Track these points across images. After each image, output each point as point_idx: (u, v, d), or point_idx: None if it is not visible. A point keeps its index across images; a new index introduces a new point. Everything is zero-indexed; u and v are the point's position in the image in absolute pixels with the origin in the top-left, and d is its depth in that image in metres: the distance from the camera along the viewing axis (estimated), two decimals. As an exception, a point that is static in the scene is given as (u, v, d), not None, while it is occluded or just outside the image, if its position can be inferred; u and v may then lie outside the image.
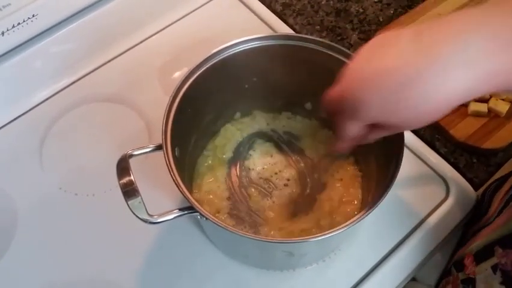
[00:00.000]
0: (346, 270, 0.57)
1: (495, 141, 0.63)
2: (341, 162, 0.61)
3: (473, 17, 0.35)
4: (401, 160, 0.46)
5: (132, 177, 0.45)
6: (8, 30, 0.64)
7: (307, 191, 0.60)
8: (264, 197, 0.59)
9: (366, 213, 0.44)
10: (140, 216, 0.44)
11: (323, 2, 0.80)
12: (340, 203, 0.58)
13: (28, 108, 0.70)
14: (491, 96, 0.65)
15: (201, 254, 0.58)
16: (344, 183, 0.60)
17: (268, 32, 0.75)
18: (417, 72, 0.35)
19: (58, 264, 0.58)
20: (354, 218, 0.44)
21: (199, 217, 0.45)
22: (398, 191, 0.61)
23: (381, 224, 0.59)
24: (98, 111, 0.70)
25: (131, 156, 0.47)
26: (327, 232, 0.44)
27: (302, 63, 0.56)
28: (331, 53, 0.53)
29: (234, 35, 0.55)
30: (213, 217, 0.44)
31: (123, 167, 0.46)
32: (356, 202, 0.58)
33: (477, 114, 0.64)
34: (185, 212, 0.46)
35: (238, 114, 0.64)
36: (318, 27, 0.77)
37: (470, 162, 0.64)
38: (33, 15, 0.65)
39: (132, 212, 0.44)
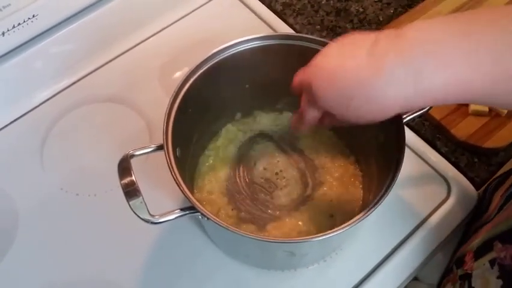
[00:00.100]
0: (347, 270, 0.57)
1: (496, 141, 0.63)
2: (341, 162, 0.61)
3: (430, 31, 0.37)
4: (402, 160, 0.46)
5: (133, 178, 0.44)
6: (8, 30, 0.64)
7: (308, 190, 0.60)
8: (265, 197, 0.59)
9: (368, 213, 0.44)
10: (141, 217, 0.44)
11: (323, 2, 0.80)
12: (341, 202, 0.58)
13: (29, 109, 0.70)
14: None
15: (202, 254, 0.58)
16: (344, 183, 0.60)
17: (268, 32, 0.75)
18: (364, 79, 0.38)
19: (59, 264, 0.58)
20: (356, 218, 0.44)
21: (200, 217, 0.45)
22: (399, 191, 0.61)
23: (383, 223, 0.59)
24: (99, 111, 0.70)
25: (132, 156, 0.47)
26: (328, 232, 0.44)
27: (302, 63, 0.56)
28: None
29: (234, 35, 0.55)
30: (214, 217, 0.44)
31: (124, 167, 0.45)
32: (357, 202, 0.58)
33: (478, 114, 0.64)
34: (187, 212, 0.46)
35: (239, 115, 0.64)
36: (319, 26, 0.77)
37: (471, 162, 0.64)
38: (33, 16, 0.65)
39: (133, 212, 0.44)
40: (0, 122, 0.69)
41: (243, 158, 0.62)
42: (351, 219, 0.44)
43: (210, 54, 0.53)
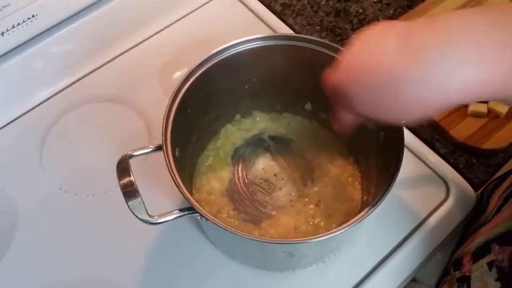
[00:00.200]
0: (346, 271, 0.57)
1: (495, 142, 0.63)
2: (340, 163, 0.61)
3: (463, 24, 0.34)
4: (401, 161, 0.46)
5: (132, 178, 0.45)
6: (8, 30, 0.64)
7: (307, 191, 0.60)
8: (264, 197, 0.59)
9: (367, 214, 0.44)
10: (140, 217, 0.44)
11: (322, 2, 0.80)
12: (339, 203, 0.58)
13: (28, 109, 0.70)
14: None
15: (201, 255, 0.58)
16: (343, 184, 0.60)
17: (268, 32, 0.75)
18: (402, 75, 0.35)
19: (58, 264, 0.58)
20: (355, 219, 0.44)
21: (199, 218, 0.45)
22: (397, 192, 0.61)
23: (381, 224, 0.59)
24: (99, 111, 0.70)
25: (131, 156, 0.47)
26: (327, 233, 0.44)
27: (302, 63, 0.56)
28: (331, 53, 0.53)
29: (234, 35, 0.55)
30: (213, 218, 0.44)
31: (123, 167, 0.46)
32: (355, 203, 0.58)
33: (477, 115, 0.64)
34: (186, 212, 0.46)
35: (238, 115, 0.64)
36: (318, 27, 0.77)
37: (470, 163, 0.64)
38: (33, 16, 0.65)
39: (132, 212, 0.44)
40: (-1, 122, 0.69)
41: (242, 158, 0.62)
42: (350, 220, 0.44)
43: (210, 54, 0.53)
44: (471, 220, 0.61)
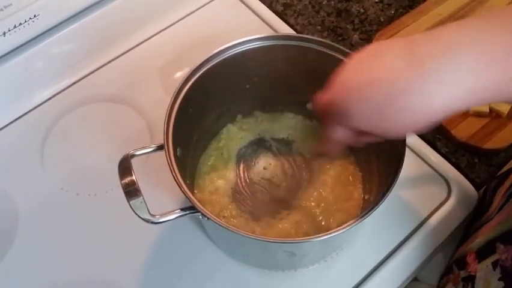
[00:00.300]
0: (348, 271, 0.57)
1: (496, 142, 0.63)
2: (342, 162, 0.61)
3: (463, 33, 0.35)
4: (403, 160, 0.46)
5: (134, 177, 0.44)
6: (9, 30, 0.64)
7: (309, 190, 0.59)
8: (266, 197, 0.59)
9: (368, 213, 0.44)
10: (142, 216, 0.44)
11: (324, 2, 0.80)
12: (341, 202, 0.58)
13: (29, 109, 0.70)
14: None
15: (202, 254, 0.58)
16: (344, 183, 0.60)
17: (269, 33, 0.75)
18: (403, 86, 0.35)
19: (59, 264, 0.58)
20: (356, 218, 0.44)
21: (200, 217, 0.45)
22: (399, 191, 0.61)
23: (383, 224, 0.59)
24: (100, 111, 0.70)
25: (133, 156, 0.47)
26: (329, 232, 0.44)
27: (303, 63, 0.56)
28: (332, 53, 0.53)
29: (235, 35, 0.55)
30: (214, 217, 0.44)
31: (125, 167, 0.45)
32: (357, 202, 0.58)
33: (478, 115, 0.64)
34: (187, 212, 0.46)
35: (239, 115, 0.64)
36: (319, 27, 0.77)
37: (471, 163, 0.64)
38: (34, 16, 0.65)
39: (134, 212, 0.44)
40: (0, 122, 0.69)
41: (243, 158, 0.62)
42: (351, 219, 0.44)
43: (211, 54, 0.53)
44: (473, 219, 0.61)
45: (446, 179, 0.62)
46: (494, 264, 0.47)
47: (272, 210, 0.58)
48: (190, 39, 0.75)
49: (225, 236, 0.53)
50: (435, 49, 0.35)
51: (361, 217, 0.44)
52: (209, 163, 0.62)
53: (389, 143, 0.50)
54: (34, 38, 0.68)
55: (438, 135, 0.66)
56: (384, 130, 0.39)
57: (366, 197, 0.58)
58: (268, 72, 0.58)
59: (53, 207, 0.62)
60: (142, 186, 0.44)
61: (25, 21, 0.65)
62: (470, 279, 0.50)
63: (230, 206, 0.58)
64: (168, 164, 0.46)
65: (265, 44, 0.55)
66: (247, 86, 0.60)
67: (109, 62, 0.74)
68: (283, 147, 0.63)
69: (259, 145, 0.63)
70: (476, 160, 0.64)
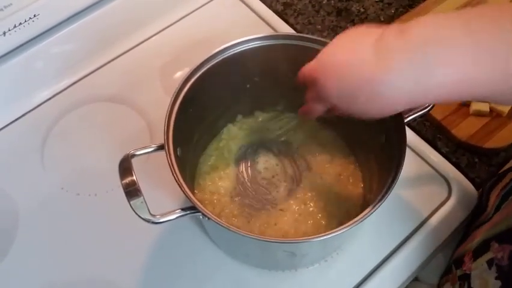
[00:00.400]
0: (348, 271, 0.57)
1: (497, 141, 0.63)
2: (342, 162, 0.61)
3: (433, 28, 0.37)
4: (403, 160, 0.46)
5: (134, 177, 0.44)
6: (9, 30, 0.64)
7: (309, 190, 0.59)
8: (266, 196, 0.59)
9: (368, 213, 0.44)
10: (142, 216, 0.44)
11: (323, 2, 0.80)
12: (341, 202, 0.58)
13: (30, 109, 0.70)
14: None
15: (203, 254, 0.58)
16: (344, 183, 0.60)
17: (269, 32, 0.75)
18: (370, 75, 0.38)
19: (60, 264, 0.58)
20: (356, 218, 0.44)
21: (201, 217, 0.45)
22: (399, 191, 0.61)
23: (383, 224, 0.59)
24: (100, 111, 0.70)
25: (133, 156, 0.47)
26: (329, 232, 0.44)
27: (303, 63, 0.56)
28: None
29: (235, 34, 0.55)
30: (215, 217, 0.44)
31: (125, 167, 0.45)
32: (357, 202, 0.58)
33: (479, 114, 0.64)
34: (188, 212, 0.46)
35: (240, 115, 0.64)
36: (319, 26, 0.77)
37: (472, 162, 0.64)
38: (34, 16, 0.65)
39: (134, 212, 0.44)
40: (0, 122, 0.69)
41: (243, 158, 0.62)
42: (352, 219, 0.44)
43: (211, 54, 0.53)
44: (472, 218, 0.61)
45: (446, 178, 0.62)
46: (490, 263, 0.47)
47: (272, 210, 0.58)
48: (190, 39, 0.75)
49: (225, 236, 0.53)
50: (401, 44, 0.37)
51: (361, 217, 0.44)
52: (209, 163, 0.62)
53: (389, 143, 0.50)
54: (34, 38, 0.68)
55: (438, 135, 0.66)
56: (353, 110, 0.42)
57: (367, 196, 0.58)
58: (268, 72, 0.58)
59: (53, 207, 0.62)
60: (142, 186, 0.44)
61: (25, 21, 0.65)
62: (466, 277, 0.51)
63: (230, 206, 0.58)
64: (168, 164, 0.46)
65: (265, 44, 0.55)
66: (247, 86, 0.60)
67: (109, 62, 0.74)
68: (283, 147, 0.63)
69: (259, 145, 0.63)
70: (477, 160, 0.64)
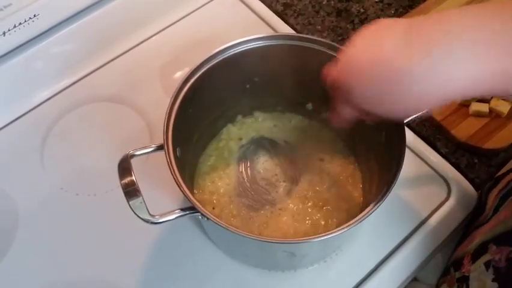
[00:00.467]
0: (347, 271, 0.57)
1: (496, 142, 0.63)
2: (341, 162, 0.61)
3: (467, 18, 0.35)
4: (403, 160, 0.46)
5: (134, 178, 0.44)
6: (9, 30, 0.64)
7: (309, 191, 0.59)
8: (266, 197, 0.59)
9: (368, 214, 0.44)
10: (141, 217, 0.44)
11: (323, 2, 0.80)
12: (341, 203, 0.58)
13: (29, 109, 0.70)
14: (492, 97, 0.65)
15: (202, 254, 0.58)
16: (344, 183, 0.60)
17: (269, 32, 0.75)
18: (405, 70, 0.36)
19: (59, 264, 0.58)
20: (356, 219, 0.44)
21: (200, 217, 0.45)
22: (399, 191, 0.61)
23: (382, 224, 0.59)
24: (99, 111, 0.70)
25: (132, 156, 0.47)
26: (328, 232, 0.44)
27: (303, 63, 0.56)
28: (332, 53, 0.53)
29: (235, 35, 0.55)
30: (214, 217, 0.44)
31: (125, 167, 0.45)
32: (356, 202, 0.58)
33: (478, 115, 0.64)
34: (187, 212, 0.46)
35: (239, 116, 0.64)
36: (319, 27, 0.77)
37: (471, 163, 0.64)
38: (34, 16, 0.65)
39: (133, 212, 0.44)
40: (0, 122, 0.69)
41: (243, 158, 0.62)
42: (351, 219, 0.44)
43: (211, 54, 0.53)
44: (472, 219, 0.61)
45: (445, 179, 0.62)
46: (487, 265, 0.47)
47: (272, 211, 0.58)
48: (190, 39, 0.75)
49: (224, 236, 0.53)
50: (437, 34, 0.35)
51: (361, 217, 0.44)
52: (209, 163, 0.62)
53: (389, 143, 0.50)
54: (34, 38, 0.68)
55: (438, 135, 0.66)
56: (385, 111, 0.39)
57: (366, 197, 0.58)
58: (268, 72, 0.58)
59: (53, 207, 0.62)
60: (141, 186, 0.44)
61: (25, 21, 0.65)
62: (464, 279, 0.51)
63: (230, 206, 0.58)
64: (168, 164, 0.46)
65: (265, 44, 0.55)
66: (247, 86, 0.60)
67: (109, 62, 0.74)
68: (282, 147, 0.63)
69: (259, 145, 0.63)
70: (476, 160, 0.64)
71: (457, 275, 0.53)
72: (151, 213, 0.44)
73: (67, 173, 0.64)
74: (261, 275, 0.57)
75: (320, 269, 0.57)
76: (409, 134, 0.64)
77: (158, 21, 0.77)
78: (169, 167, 0.46)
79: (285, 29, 0.76)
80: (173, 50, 0.74)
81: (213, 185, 0.60)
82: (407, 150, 0.48)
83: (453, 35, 0.34)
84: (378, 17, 0.77)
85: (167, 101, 0.50)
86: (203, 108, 0.57)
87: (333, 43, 0.53)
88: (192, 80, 0.52)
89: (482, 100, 0.65)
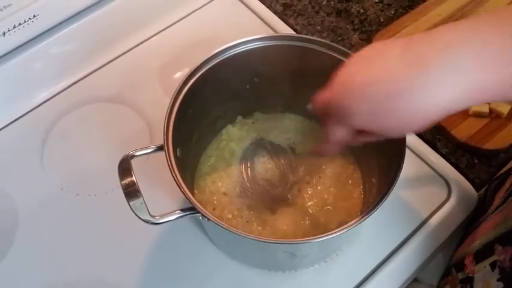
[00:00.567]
0: (348, 271, 0.57)
1: (496, 142, 0.63)
2: (342, 162, 0.61)
3: (462, 32, 0.35)
4: (403, 161, 0.46)
5: (134, 178, 0.44)
6: (9, 30, 0.64)
7: (309, 191, 0.59)
8: (266, 198, 0.59)
9: (368, 214, 0.44)
10: (142, 217, 0.44)
11: (323, 3, 0.80)
12: (341, 203, 0.58)
13: (29, 109, 0.70)
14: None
15: (202, 255, 0.58)
16: (344, 184, 0.60)
17: (268, 33, 0.75)
18: (403, 86, 0.36)
19: (59, 264, 0.58)
20: (356, 219, 0.44)
21: (200, 218, 0.45)
22: (399, 192, 0.61)
23: (383, 224, 0.59)
24: (99, 111, 0.70)
25: (132, 156, 0.47)
26: (329, 233, 0.44)
27: (303, 64, 0.56)
28: (332, 53, 0.53)
29: (235, 35, 0.55)
30: (214, 218, 0.44)
31: (125, 167, 0.45)
32: (357, 202, 0.58)
33: (478, 115, 0.64)
34: (187, 212, 0.46)
35: (239, 116, 0.64)
36: (319, 27, 0.77)
37: (471, 163, 0.64)
38: (34, 16, 0.65)
39: (134, 212, 0.44)
40: (0, 122, 0.69)
41: (243, 158, 0.62)
42: (351, 220, 0.44)
43: (211, 55, 0.53)
44: (472, 219, 0.61)
45: (446, 179, 0.62)
46: (493, 265, 0.47)
47: (272, 211, 0.58)
48: (190, 39, 0.75)
49: (225, 236, 0.53)
50: (433, 50, 0.35)
51: (361, 218, 0.44)
52: (209, 164, 0.62)
53: (389, 143, 0.50)
54: (33, 39, 0.68)
55: (438, 136, 0.66)
56: (383, 129, 0.39)
57: (366, 197, 0.58)
58: (268, 73, 0.58)
59: (53, 207, 0.62)
60: (142, 186, 0.44)
61: (24, 22, 0.65)
62: (469, 281, 0.50)
63: (230, 207, 0.58)
64: (168, 164, 0.46)
65: (264, 45, 0.55)
66: (247, 87, 0.60)
67: (109, 62, 0.74)
68: (283, 148, 0.63)
69: (259, 146, 0.63)
70: (476, 161, 0.64)
71: (460, 276, 0.53)
72: (151, 213, 0.44)
73: (67, 174, 0.64)
74: (261, 276, 0.57)
75: (320, 269, 0.57)
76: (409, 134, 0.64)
77: (158, 22, 0.77)
78: (169, 167, 0.46)
79: (284, 29, 0.76)
80: (173, 50, 0.74)
81: (213, 186, 0.60)
82: (407, 151, 0.48)
83: (452, 48, 0.35)
84: (378, 18, 0.77)
85: (167, 101, 0.50)
86: (203, 108, 0.57)
87: (332, 43, 0.53)
88: (192, 81, 0.52)
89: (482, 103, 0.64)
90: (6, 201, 0.62)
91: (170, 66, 0.73)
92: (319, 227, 0.57)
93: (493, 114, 0.64)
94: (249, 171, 0.61)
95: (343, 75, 0.40)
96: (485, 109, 0.64)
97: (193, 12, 0.79)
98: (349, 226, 0.44)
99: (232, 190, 0.60)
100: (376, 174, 0.54)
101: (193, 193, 0.54)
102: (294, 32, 0.76)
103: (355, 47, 0.74)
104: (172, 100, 0.51)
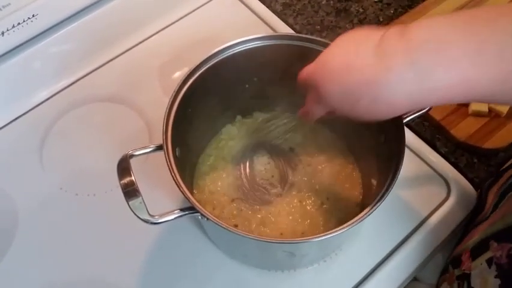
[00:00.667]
0: (347, 271, 0.57)
1: (496, 141, 0.63)
2: (341, 162, 0.61)
3: (433, 30, 0.37)
4: (402, 160, 0.46)
5: (133, 178, 0.44)
6: (8, 30, 0.64)
7: (308, 191, 0.59)
8: (265, 197, 0.59)
9: (368, 214, 0.44)
10: (141, 217, 0.44)
11: (323, 2, 0.80)
12: (340, 202, 0.58)
13: (28, 109, 0.70)
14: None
15: (202, 254, 0.58)
16: (343, 183, 0.60)
17: (268, 32, 0.75)
18: (371, 78, 0.38)
19: (59, 264, 0.58)
20: (355, 218, 0.44)
21: (200, 217, 0.45)
22: (398, 191, 0.61)
23: (382, 224, 0.59)
24: (98, 111, 0.70)
25: (132, 156, 0.47)
26: (328, 232, 0.44)
27: (302, 63, 0.56)
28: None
29: (234, 34, 0.55)
30: (213, 217, 0.44)
31: (124, 167, 0.45)
32: (356, 202, 0.58)
33: (478, 114, 0.64)
34: (187, 212, 0.45)
35: (239, 116, 0.64)
36: (319, 27, 0.77)
37: (470, 162, 0.64)
38: (33, 15, 0.65)
39: (133, 212, 0.44)
40: (-1, 122, 0.69)
41: (242, 158, 0.62)
42: (351, 219, 0.44)
43: (210, 54, 0.53)
44: (471, 218, 0.61)
45: (445, 178, 0.62)
46: (489, 262, 0.47)
47: (271, 211, 0.58)
48: (189, 39, 0.75)
49: (224, 236, 0.53)
50: (402, 46, 0.37)
51: (360, 217, 0.44)
52: (208, 163, 0.62)
53: (388, 143, 0.50)
54: (33, 38, 0.68)
55: (437, 135, 0.66)
56: (352, 113, 0.42)
57: (366, 196, 0.58)
58: (267, 72, 0.58)
59: (53, 207, 0.62)
60: (141, 186, 0.44)
61: (24, 21, 0.65)
62: (465, 277, 0.51)
63: (229, 206, 0.58)
64: (167, 164, 0.46)
65: (264, 44, 0.55)
66: (246, 86, 0.60)
67: (108, 62, 0.74)
68: (282, 147, 0.63)
69: (258, 145, 0.63)
70: (476, 160, 0.64)
71: (456, 272, 0.53)
72: (150, 213, 0.44)
73: (67, 173, 0.64)
74: (260, 275, 0.57)
75: (320, 268, 0.57)
76: (408, 134, 0.64)
77: (157, 21, 0.77)
78: (168, 167, 0.46)
79: (284, 28, 0.76)
80: (173, 50, 0.74)
81: (212, 185, 0.60)
82: (406, 150, 0.48)
83: (419, 45, 0.37)
84: (377, 17, 0.77)
85: (166, 100, 0.50)
86: (202, 107, 0.57)
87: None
88: (191, 80, 0.52)
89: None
90: (5, 201, 0.62)
91: (170, 66, 0.73)
92: (318, 227, 0.57)
93: (492, 114, 0.64)
94: (248, 171, 0.61)
95: (328, 54, 0.43)
96: (485, 108, 0.64)
97: (193, 11, 0.79)
98: (348, 225, 0.44)
99: (231, 189, 0.60)
100: (375, 173, 0.54)
101: (192, 193, 0.54)
102: (293, 32, 0.76)
103: (354, 47, 0.74)
104: (171, 99, 0.51)
